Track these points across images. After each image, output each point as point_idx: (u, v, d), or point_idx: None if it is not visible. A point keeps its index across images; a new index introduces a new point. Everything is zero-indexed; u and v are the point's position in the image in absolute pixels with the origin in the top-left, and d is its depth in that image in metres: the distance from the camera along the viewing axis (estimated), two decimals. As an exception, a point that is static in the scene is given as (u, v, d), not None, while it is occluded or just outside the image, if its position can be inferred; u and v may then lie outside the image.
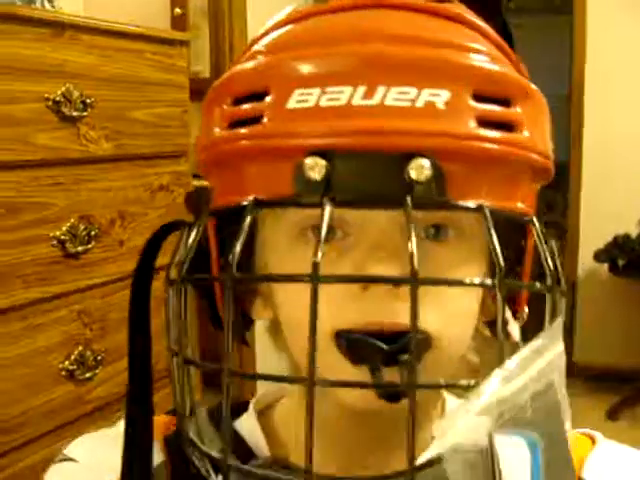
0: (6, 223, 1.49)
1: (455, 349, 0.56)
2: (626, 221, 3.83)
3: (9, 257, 1.51)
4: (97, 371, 1.71)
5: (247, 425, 0.68)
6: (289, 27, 0.56)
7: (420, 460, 0.44)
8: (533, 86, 0.54)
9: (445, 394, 0.68)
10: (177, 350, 0.54)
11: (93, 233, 1.69)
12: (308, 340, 0.47)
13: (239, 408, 0.71)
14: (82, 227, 1.66)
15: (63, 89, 1.59)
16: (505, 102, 0.51)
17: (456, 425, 0.38)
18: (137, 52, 1.80)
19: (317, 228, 0.53)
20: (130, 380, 0.62)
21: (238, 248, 0.48)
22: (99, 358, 1.72)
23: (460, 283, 0.53)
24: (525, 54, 0.59)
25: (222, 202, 0.56)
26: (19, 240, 1.53)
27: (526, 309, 0.59)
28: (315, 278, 0.45)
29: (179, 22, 2.94)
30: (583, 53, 3.87)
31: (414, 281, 0.45)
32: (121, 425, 0.66)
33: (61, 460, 0.68)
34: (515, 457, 0.39)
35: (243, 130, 0.52)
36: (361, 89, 0.48)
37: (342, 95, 0.48)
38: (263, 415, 0.69)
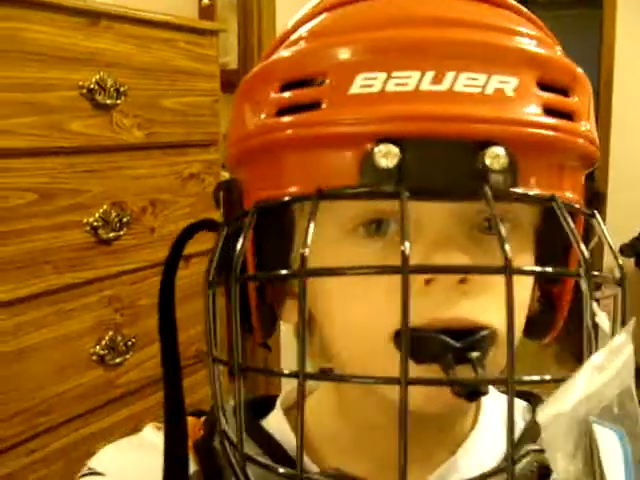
0: (40, 209, 1.51)
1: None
2: (653, 216, 3.80)
3: (42, 242, 1.53)
4: (127, 356, 1.73)
5: (276, 425, 0.65)
6: (333, 12, 0.54)
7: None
8: (580, 70, 0.53)
9: None
10: (227, 359, 0.50)
11: (125, 220, 1.70)
12: (367, 341, 0.47)
13: (265, 405, 0.68)
14: (114, 214, 1.68)
15: (97, 77, 1.60)
16: (564, 91, 0.50)
17: (561, 412, 0.37)
18: (170, 41, 1.81)
19: (370, 223, 0.51)
20: (165, 375, 0.60)
21: (309, 241, 0.45)
22: (129, 344, 1.73)
23: (550, 273, 0.52)
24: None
25: (264, 196, 0.52)
26: (53, 226, 1.54)
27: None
28: (405, 269, 0.42)
29: (207, 13, 2.93)
30: (612, 46, 3.84)
31: (508, 271, 0.42)
32: (144, 432, 0.65)
33: (86, 475, 0.65)
34: (609, 449, 0.38)
35: (294, 117, 0.49)
36: (429, 74, 0.46)
37: (410, 80, 0.46)
38: (291, 413, 0.66)
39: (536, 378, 0.47)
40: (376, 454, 0.61)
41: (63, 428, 1.61)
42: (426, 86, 0.46)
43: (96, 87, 1.60)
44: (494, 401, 0.66)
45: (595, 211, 0.52)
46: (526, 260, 0.54)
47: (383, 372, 0.49)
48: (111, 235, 1.67)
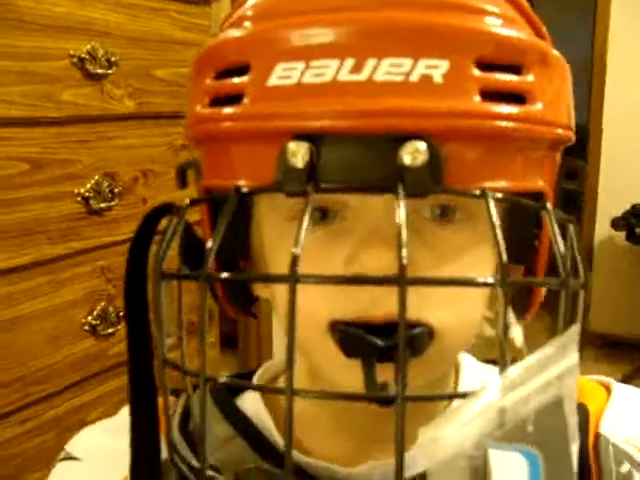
0: (31, 179, 1.51)
1: (462, 338, 0.53)
2: (645, 189, 3.82)
3: (34, 212, 1.52)
4: (119, 327, 1.73)
5: (251, 405, 0.63)
6: None
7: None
8: (554, 52, 0.49)
9: (461, 355, 0.65)
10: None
11: (117, 190, 1.70)
12: (304, 329, 0.45)
13: (243, 380, 0.66)
14: (106, 184, 1.67)
15: (88, 46, 1.59)
16: (515, 69, 0.45)
17: (446, 435, 0.35)
18: (162, 11, 1.79)
19: (315, 211, 0.50)
20: (130, 358, 0.57)
21: (215, 244, 0.43)
22: (121, 314, 1.73)
23: (453, 282, 0.47)
24: (545, 19, 0.53)
25: (208, 183, 0.51)
26: (44, 196, 1.54)
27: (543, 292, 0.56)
28: (293, 278, 0.39)
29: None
30: (607, 17, 3.84)
31: (400, 281, 0.39)
32: (122, 414, 0.64)
33: (64, 459, 0.65)
34: (511, 472, 0.36)
35: (225, 109, 0.47)
36: (349, 62, 0.43)
37: (328, 70, 0.43)
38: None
39: (427, 395, 0.48)
40: (353, 432, 0.61)
41: (56, 397, 1.62)
42: (344, 76, 0.43)
43: (87, 57, 1.58)
44: (476, 375, 0.66)
45: (548, 204, 0.46)
46: (479, 254, 0.51)
47: (322, 359, 0.51)
48: (103, 206, 1.66)
